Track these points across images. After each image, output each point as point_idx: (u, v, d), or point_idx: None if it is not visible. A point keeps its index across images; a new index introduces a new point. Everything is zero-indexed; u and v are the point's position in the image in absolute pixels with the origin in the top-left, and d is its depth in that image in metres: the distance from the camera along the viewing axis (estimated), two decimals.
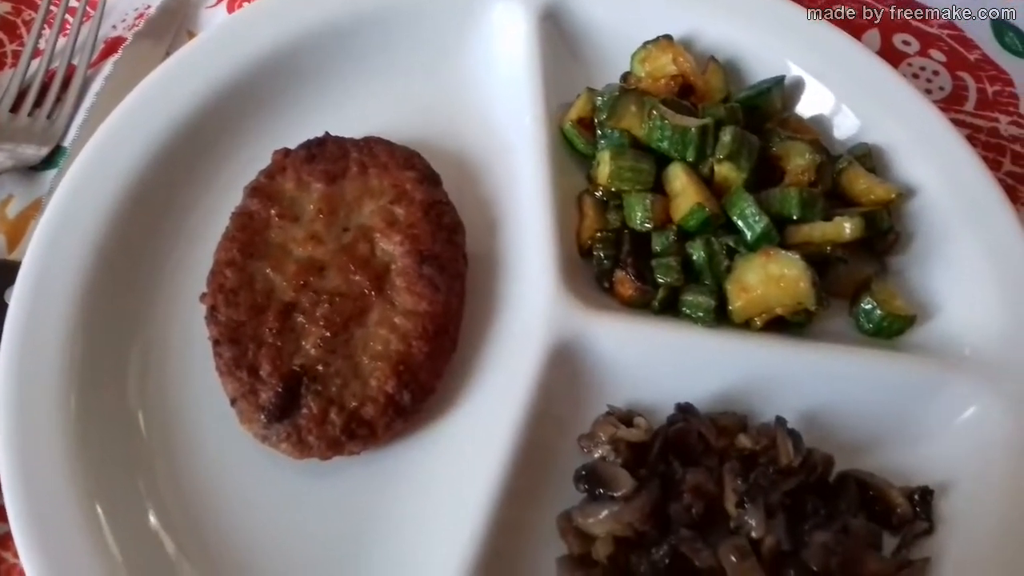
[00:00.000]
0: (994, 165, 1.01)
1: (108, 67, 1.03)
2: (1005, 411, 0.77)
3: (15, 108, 0.99)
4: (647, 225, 0.86)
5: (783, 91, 0.94)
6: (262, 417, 0.77)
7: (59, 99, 1.00)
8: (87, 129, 0.95)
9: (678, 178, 0.87)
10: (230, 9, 1.08)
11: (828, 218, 0.85)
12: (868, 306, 0.84)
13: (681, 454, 0.78)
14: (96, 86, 1.00)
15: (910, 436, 0.81)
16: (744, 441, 0.79)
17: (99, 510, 0.74)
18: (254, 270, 0.83)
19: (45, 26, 1.04)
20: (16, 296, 0.79)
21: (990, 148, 1.02)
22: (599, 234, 0.87)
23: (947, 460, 0.79)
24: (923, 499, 0.77)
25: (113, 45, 1.06)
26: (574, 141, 0.93)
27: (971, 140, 1.02)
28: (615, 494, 0.75)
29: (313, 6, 0.96)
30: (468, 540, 0.74)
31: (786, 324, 0.84)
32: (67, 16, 1.05)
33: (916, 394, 0.80)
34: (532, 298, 0.84)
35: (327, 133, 0.91)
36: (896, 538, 0.77)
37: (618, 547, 0.74)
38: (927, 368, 0.81)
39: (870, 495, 0.78)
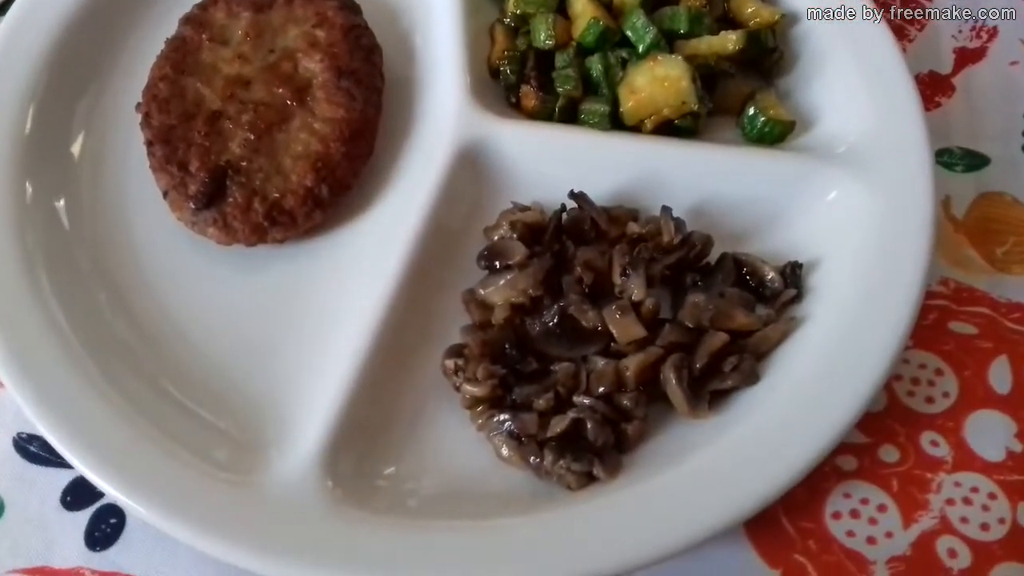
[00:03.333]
0: (882, 5, 1.08)
1: None
2: (865, 192, 0.85)
3: None
4: (549, 43, 0.93)
5: None
6: (191, 205, 0.85)
7: None
8: None
9: (579, 1, 0.94)
10: None
11: (715, 34, 0.92)
12: (752, 113, 0.92)
13: (575, 238, 0.86)
14: None
15: (785, 222, 0.88)
16: (634, 228, 0.86)
17: (45, 281, 0.82)
18: (185, 84, 0.90)
19: None
20: None
21: None
22: (507, 54, 0.94)
23: (816, 237, 0.86)
24: (793, 272, 0.85)
25: None
26: None
27: None
28: (510, 263, 0.83)
29: None
30: (376, 316, 0.81)
31: (676, 131, 0.91)
32: None
33: (789, 183, 0.88)
34: (443, 110, 0.92)
35: None
36: (768, 308, 0.84)
37: (514, 312, 0.82)
38: (798, 160, 0.89)
39: (745, 272, 0.85)
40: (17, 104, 0.89)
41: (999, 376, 0.86)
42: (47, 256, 0.83)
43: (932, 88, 1.03)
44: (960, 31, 1.07)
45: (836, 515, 0.80)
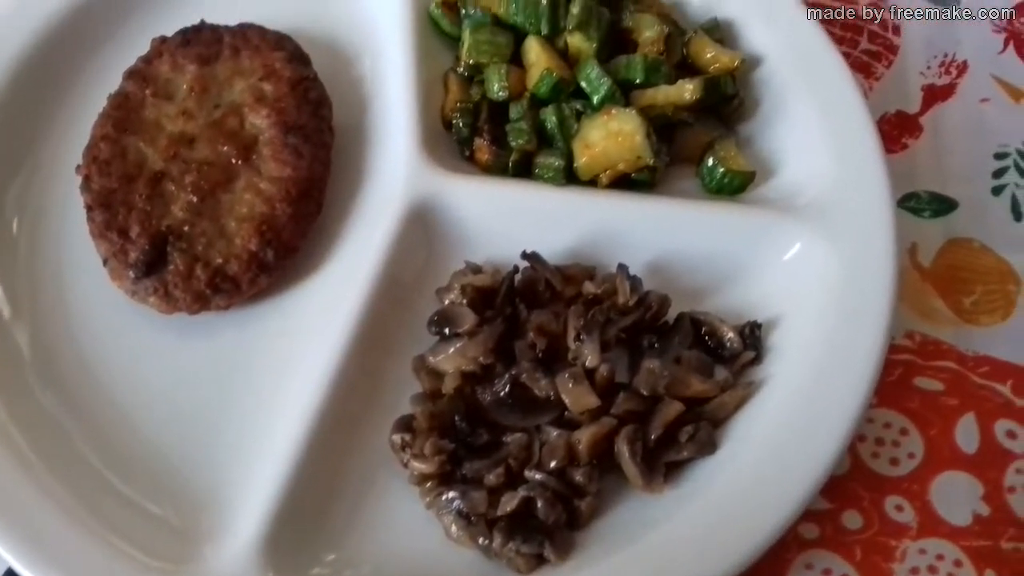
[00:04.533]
0: (850, 43, 1.06)
1: None
2: (826, 248, 0.83)
3: None
4: (502, 94, 0.91)
5: None
6: (131, 273, 0.82)
7: None
8: None
9: (532, 50, 0.91)
10: None
11: (673, 84, 0.90)
12: (711, 164, 0.89)
13: (528, 300, 0.84)
14: None
15: (744, 279, 0.86)
16: (590, 288, 0.84)
17: None
18: (127, 143, 0.88)
19: None
20: None
21: (848, 28, 1.07)
22: (460, 105, 0.92)
23: (775, 296, 0.84)
24: (751, 332, 0.82)
25: None
26: (440, 23, 0.97)
27: (830, 21, 1.07)
28: (460, 331, 0.80)
29: None
30: (324, 382, 0.78)
31: (633, 184, 0.89)
32: None
33: (748, 238, 0.86)
34: (394, 165, 0.89)
35: (203, 20, 0.95)
36: (727, 370, 0.82)
37: (465, 381, 0.80)
38: (757, 214, 0.86)
39: (703, 332, 0.83)
40: None
41: (966, 435, 0.84)
42: None
43: (899, 129, 1.00)
44: (928, 67, 1.05)
45: None
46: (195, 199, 0.85)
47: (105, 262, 0.84)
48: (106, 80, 0.93)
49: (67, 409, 0.81)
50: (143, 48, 0.94)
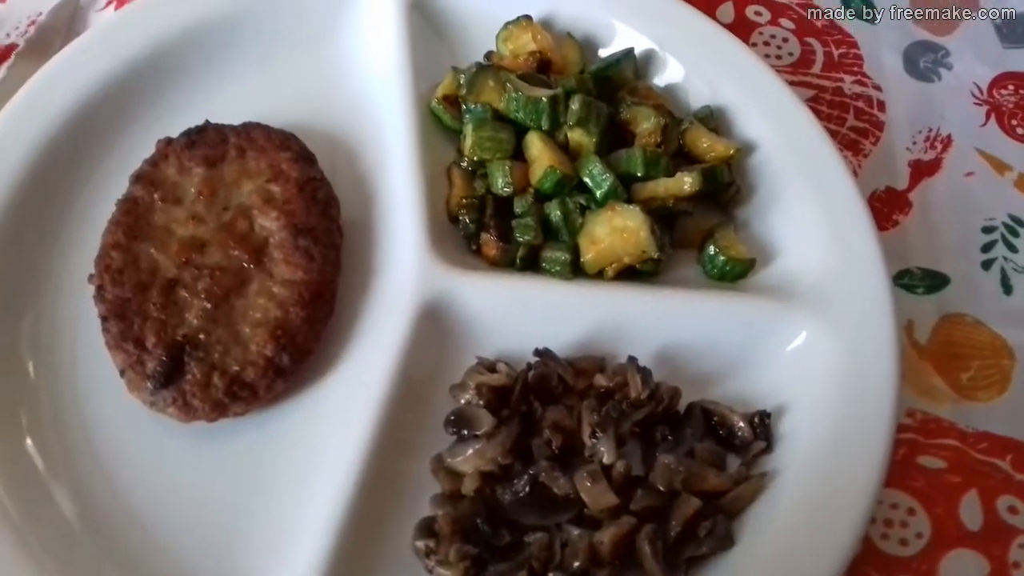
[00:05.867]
0: (838, 121, 1.09)
1: (2, 71, 1.08)
2: (829, 335, 0.85)
3: None
4: (507, 190, 0.93)
5: (634, 62, 1.02)
6: (149, 385, 0.83)
7: None
8: None
9: (534, 145, 0.94)
10: None
11: (672, 175, 0.92)
12: (712, 253, 0.92)
13: (542, 396, 0.85)
14: None
15: (750, 366, 0.88)
16: (601, 380, 0.86)
17: None
18: (139, 251, 0.89)
19: None
20: None
21: (835, 106, 1.10)
22: (465, 200, 0.94)
23: (782, 384, 0.86)
24: (762, 422, 0.84)
25: (6, 52, 1.11)
26: (442, 117, 0.99)
27: (817, 99, 1.11)
28: (478, 432, 0.82)
29: (192, 3, 1.02)
30: (345, 492, 0.79)
31: (638, 274, 0.91)
32: None
33: (753, 328, 0.88)
34: (404, 262, 0.91)
35: (207, 121, 0.96)
36: (739, 458, 0.84)
37: (484, 481, 0.81)
38: (761, 303, 0.89)
39: (714, 421, 0.85)
40: None
41: (970, 512, 0.86)
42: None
43: (889, 206, 1.03)
44: (914, 142, 1.08)
45: None
46: (209, 306, 0.86)
47: (122, 373, 0.84)
48: (111, 184, 0.94)
49: (85, 517, 0.81)
50: (146, 150, 0.95)
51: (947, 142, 1.08)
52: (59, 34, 1.10)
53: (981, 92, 1.12)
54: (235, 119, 0.97)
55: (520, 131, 0.95)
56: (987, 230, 1.02)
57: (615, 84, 1.00)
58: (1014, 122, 1.10)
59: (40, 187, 0.93)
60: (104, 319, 0.86)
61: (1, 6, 1.13)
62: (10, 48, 1.11)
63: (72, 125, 0.96)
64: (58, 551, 0.79)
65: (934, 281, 0.99)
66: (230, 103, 1.00)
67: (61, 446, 0.84)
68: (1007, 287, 0.99)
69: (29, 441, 0.84)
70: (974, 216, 1.03)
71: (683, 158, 0.96)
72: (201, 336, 0.85)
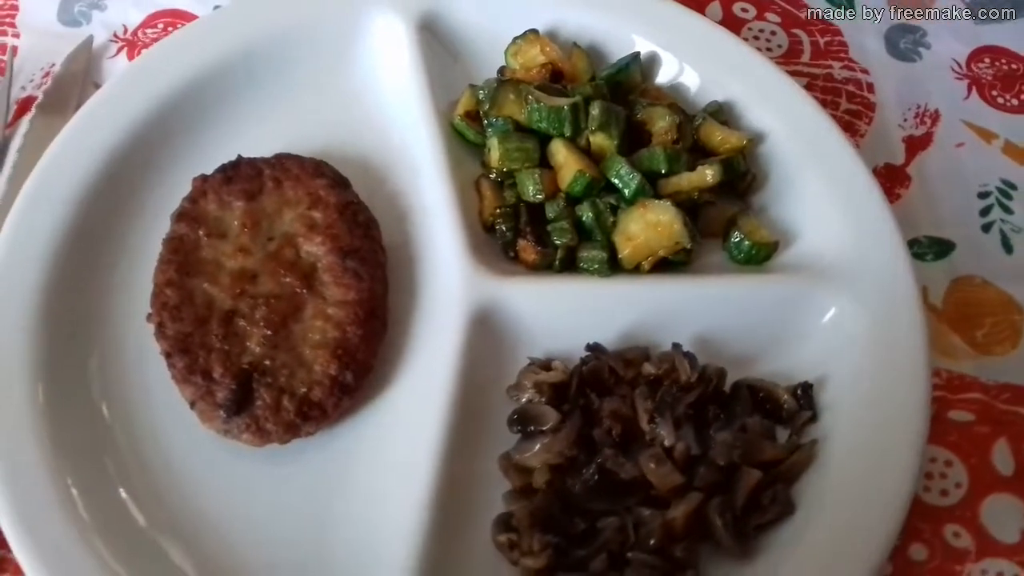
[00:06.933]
0: (832, 105, 1.15)
1: (24, 125, 1.10)
2: (857, 306, 0.91)
3: None
4: (539, 196, 0.97)
5: (640, 65, 1.06)
6: (222, 414, 0.86)
7: None
8: (15, 184, 1.01)
9: (559, 152, 0.98)
10: (130, 58, 1.16)
11: (692, 168, 0.97)
12: (737, 239, 0.97)
13: (596, 387, 0.90)
14: (16, 143, 1.07)
15: (787, 342, 0.93)
16: (649, 368, 0.90)
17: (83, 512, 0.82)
18: (192, 286, 0.91)
19: None
20: None
21: (827, 92, 1.17)
22: (498, 210, 0.98)
23: (819, 356, 0.91)
24: (805, 393, 0.89)
25: (25, 105, 1.12)
26: (465, 133, 1.03)
27: (810, 87, 1.16)
28: (544, 428, 0.86)
29: (206, 45, 1.05)
30: (422, 498, 0.82)
31: (670, 264, 0.96)
32: None
33: (785, 306, 0.93)
34: (448, 275, 0.94)
35: (239, 156, 0.99)
36: (787, 429, 0.89)
37: (553, 474, 0.85)
38: (791, 282, 0.94)
39: (761, 397, 0.90)
40: (25, 376, 0.87)
41: (1002, 459, 0.92)
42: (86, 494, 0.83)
43: (890, 180, 1.09)
44: (905, 119, 1.15)
45: None
46: (269, 332, 0.89)
47: (192, 405, 0.87)
48: (154, 225, 0.96)
49: (189, 558, 0.84)
50: (183, 189, 0.97)
51: (935, 117, 1.15)
52: (76, 84, 1.12)
53: (960, 67, 1.19)
54: (264, 151, 1.00)
55: (543, 139, 1.00)
56: (982, 195, 1.09)
57: (625, 88, 1.05)
58: (994, 92, 1.17)
59: (87, 233, 0.95)
60: (168, 355, 0.88)
61: (14, 59, 1.14)
62: (29, 100, 1.13)
63: (108, 171, 0.98)
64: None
65: (941, 247, 1.05)
66: (256, 138, 1.02)
67: (147, 488, 0.87)
68: (1008, 247, 1.05)
69: (122, 491, 0.86)
70: (969, 183, 1.10)
71: (699, 152, 1.01)
72: (266, 362, 0.88)
